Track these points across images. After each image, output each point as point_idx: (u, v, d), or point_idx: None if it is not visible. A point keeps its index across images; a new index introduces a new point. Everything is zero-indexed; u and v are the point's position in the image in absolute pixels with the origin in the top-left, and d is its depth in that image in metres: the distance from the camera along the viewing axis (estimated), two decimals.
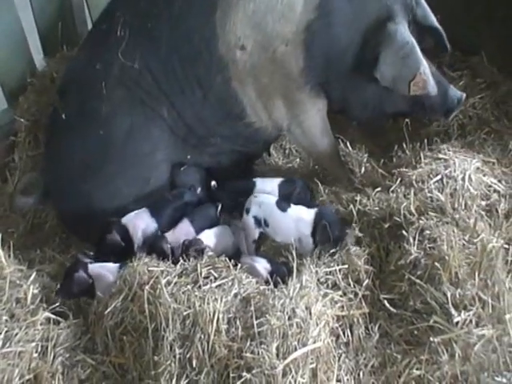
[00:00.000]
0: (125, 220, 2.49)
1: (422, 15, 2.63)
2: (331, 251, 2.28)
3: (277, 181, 2.65)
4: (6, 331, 2.05)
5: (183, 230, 2.45)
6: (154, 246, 2.37)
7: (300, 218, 2.40)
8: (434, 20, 2.66)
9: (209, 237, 2.41)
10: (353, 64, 2.56)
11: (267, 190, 2.60)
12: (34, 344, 2.05)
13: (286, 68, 2.53)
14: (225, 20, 2.48)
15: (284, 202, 2.48)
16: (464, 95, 2.73)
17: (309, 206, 2.47)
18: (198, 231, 2.44)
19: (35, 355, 2.04)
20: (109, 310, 2.10)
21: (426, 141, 2.80)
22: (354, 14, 2.49)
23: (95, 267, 2.30)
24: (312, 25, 2.46)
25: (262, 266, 2.26)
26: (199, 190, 2.67)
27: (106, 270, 2.27)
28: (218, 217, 2.56)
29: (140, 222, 2.48)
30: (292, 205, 2.46)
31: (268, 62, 2.52)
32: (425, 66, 2.45)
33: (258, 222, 2.46)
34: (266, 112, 2.67)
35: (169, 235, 2.42)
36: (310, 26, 2.46)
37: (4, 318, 2.10)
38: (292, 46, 2.49)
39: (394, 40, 2.45)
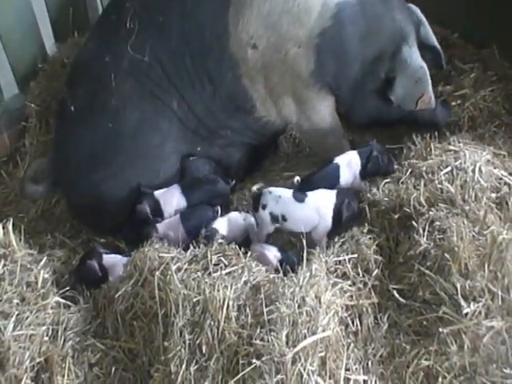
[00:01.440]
0: (158, 194, 2.52)
1: (424, 33, 2.75)
2: (341, 240, 2.29)
3: (354, 152, 2.59)
4: (17, 314, 2.07)
5: (172, 227, 2.44)
6: (143, 231, 2.42)
7: (321, 204, 2.38)
8: (434, 39, 2.78)
9: (221, 224, 2.42)
10: (362, 76, 2.62)
11: (352, 164, 2.56)
12: (44, 327, 2.08)
13: (296, 69, 2.55)
14: (238, 18, 2.48)
15: (300, 192, 2.43)
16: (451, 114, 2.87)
17: (386, 170, 2.56)
18: (188, 232, 2.40)
19: (46, 339, 2.06)
20: (119, 293, 2.13)
21: (436, 132, 2.79)
22: (368, 28, 2.54)
23: (110, 258, 2.32)
24: (326, 32, 2.48)
25: (273, 254, 2.27)
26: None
27: (121, 261, 2.29)
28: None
29: (172, 199, 2.51)
30: (308, 193, 2.43)
31: (279, 62, 2.53)
32: (430, 85, 2.59)
33: (274, 218, 2.39)
34: (275, 108, 2.69)
35: (159, 226, 2.44)
36: (323, 33, 2.48)
37: (15, 301, 2.12)
38: (304, 48, 2.51)
39: (409, 66, 2.58)
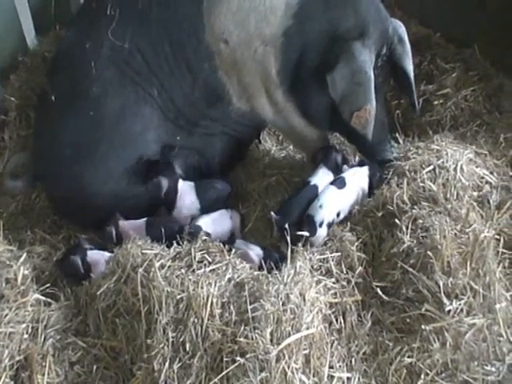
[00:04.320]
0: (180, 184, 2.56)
1: (400, 55, 2.62)
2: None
3: (322, 167, 2.62)
4: None
5: (135, 229, 2.42)
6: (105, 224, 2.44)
7: (359, 183, 2.50)
8: (409, 66, 2.64)
9: (207, 223, 2.41)
10: (316, 67, 2.55)
11: (324, 179, 2.57)
12: (24, 325, 2.05)
13: (265, 68, 2.55)
14: (211, 10, 2.49)
15: (337, 180, 2.51)
16: (390, 158, 2.67)
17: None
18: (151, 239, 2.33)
19: (26, 336, 2.03)
20: (101, 290, 2.10)
21: (418, 131, 2.81)
22: (329, 23, 2.50)
23: (94, 254, 2.30)
24: (289, 31, 2.48)
25: (255, 252, 2.27)
26: None
27: (104, 257, 2.27)
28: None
29: (188, 196, 2.55)
30: (344, 176, 2.52)
31: (249, 59, 2.53)
32: (372, 107, 2.46)
33: (330, 225, 2.39)
34: (250, 106, 2.68)
35: (122, 223, 2.44)
36: (287, 32, 2.48)
37: None
38: (271, 47, 2.51)
39: (353, 61, 2.44)
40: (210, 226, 2.39)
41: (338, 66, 2.46)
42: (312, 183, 2.54)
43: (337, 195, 2.45)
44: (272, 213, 2.42)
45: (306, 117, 2.72)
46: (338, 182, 2.48)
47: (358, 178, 2.52)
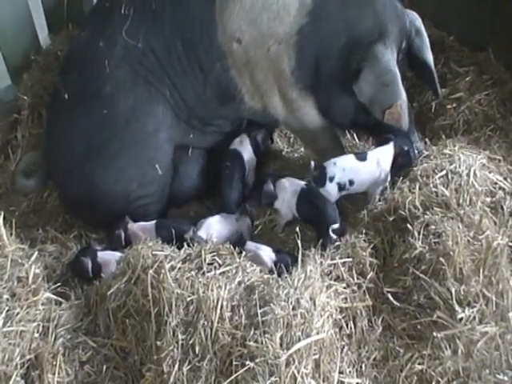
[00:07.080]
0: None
1: (419, 47, 2.63)
2: (336, 242, 2.29)
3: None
4: (7, 310, 2.05)
5: (145, 230, 2.44)
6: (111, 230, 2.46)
7: (381, 156, 2.49)
8: (429, 57, 2.65)
9: (212, 224, 2.41)
10: (339, 71, 2.55)
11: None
12: (35, 324, 2.06)
13: (279, 66, 2.54)
14: (223, 10, 2.48)
15: (360, 153, 2.55)
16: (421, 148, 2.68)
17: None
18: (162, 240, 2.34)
19: (36, 335, 2.05)
20: (111, 291, 2.11)
21: (431, 136, 2.78)
22: (346, 22, 2.49)
23: (105, 254, 2.31)
24: (303, 29, 2.47)
25: (267, 254, 2.26)
26: None
27: (115, 257, 2.27)
28: None
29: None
30: (368, 152, 2.54)
31: (263, 58, 2.53)
32: (403, 100, 2.45)
33: (341, 187, 2.45)
34: (263, 105, 2.68)
35: (131, 225, 2.45)
36: (301, 30, 2.47)
37: (5, 296, 2.09)
38: (285, 45, 2.50)
39: (378, 63, 2.44)
40: (215, 228, 2.39)
41: (362, 72, 2.46)
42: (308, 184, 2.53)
43: (354, 164, 2.48)
44: (336, 225, 2.36)
45: (326, 115, 2.71)
46: (359, 155, 2.51)
47: (380, 156, 2.50)
